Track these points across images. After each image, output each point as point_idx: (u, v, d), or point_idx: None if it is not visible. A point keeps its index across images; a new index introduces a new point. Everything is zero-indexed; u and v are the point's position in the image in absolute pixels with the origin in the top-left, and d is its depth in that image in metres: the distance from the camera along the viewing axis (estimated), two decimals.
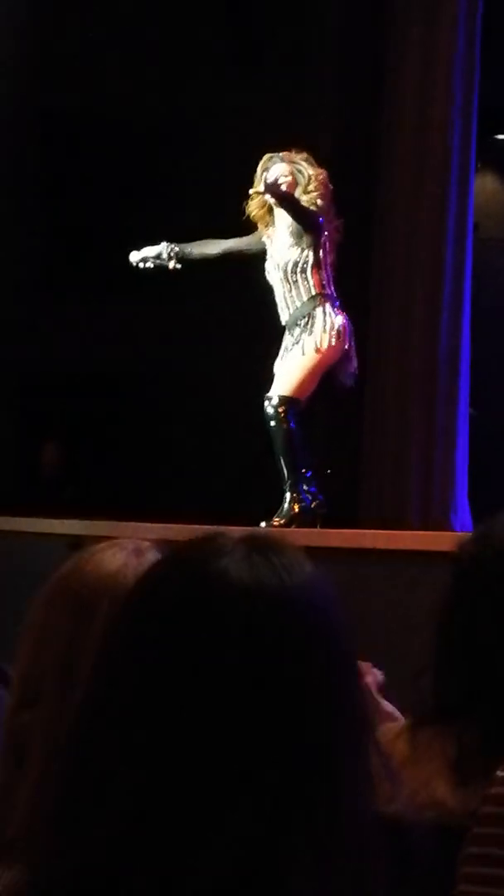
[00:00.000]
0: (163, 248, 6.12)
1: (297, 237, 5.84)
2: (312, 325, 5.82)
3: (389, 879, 0.89)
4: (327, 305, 5.84)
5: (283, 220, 5.90)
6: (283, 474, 5.82)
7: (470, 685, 1.86)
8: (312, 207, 5.81)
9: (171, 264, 6.11)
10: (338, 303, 5.91)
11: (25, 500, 6.55)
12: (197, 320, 8.18)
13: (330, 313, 5.82)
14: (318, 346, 5.78)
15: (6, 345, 8.62)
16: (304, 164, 5.92)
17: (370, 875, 0.88)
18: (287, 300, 5.91)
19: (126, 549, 1.50)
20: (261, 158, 6.03)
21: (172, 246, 6.11)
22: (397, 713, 2.27)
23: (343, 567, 4.64)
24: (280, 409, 5.80)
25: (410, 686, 1.93)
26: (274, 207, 5.91)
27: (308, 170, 5.91)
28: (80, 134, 8.42)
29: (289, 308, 5.91)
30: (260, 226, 6.00)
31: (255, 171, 6.02)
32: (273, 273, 5.95)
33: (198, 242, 6.14)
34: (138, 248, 6.10)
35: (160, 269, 6.12)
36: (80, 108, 8.35)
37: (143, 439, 8.41)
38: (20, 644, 1.48)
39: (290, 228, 5.86)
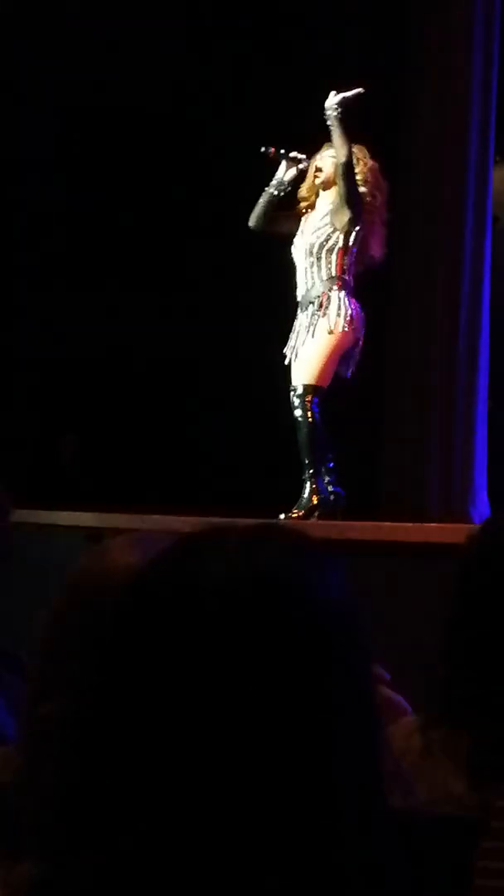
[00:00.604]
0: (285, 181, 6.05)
1: (334, 217, 5.85)
2: (327, 308, 5.81)
3: (404, 875, 0.89)
4: (343, 292, 5.85)
5: (325, 200, 5.93)
6: (305, 465, 5.82)
7: (480, 682, 1.86)
8: None
9: (278, 190, 6.06)
10: (353, 292, 5.90)
11: (44, 493, 6.56)
12: (216, 309, 8.17)
13: (344, 299, 5.83)
14: (332, 329, 5.77)
15: (22, 337, 8.63)
16: (357, 152, 5.93)
17: (384, 873, 0.88)
18: (307, 276, 5.92)
19: (145, 542, 1.51)
20: (270, 159, 6.09)
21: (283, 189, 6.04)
22: (408, 707, 2.26)
23: (362, 559, 4.64)
24: (305, 399, 5.80)
25: (426, 682, 1.93)
26: (321, 191, 5.93)
27: (360, 157, 5.93)
28: (96, 124, 8.43)
29: (306, 284, 5.92)
30: (302, 208, 6.02)
31: (268, 169, 6.06)
32: (299, 248, 5.96)
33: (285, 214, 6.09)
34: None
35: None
36: (94, 95, 8.35)
37: (162, 430, 8.41)
38: (39, 636, 1.49)
39: (331, 207, 5.86)
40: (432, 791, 1.79)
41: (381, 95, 7.53)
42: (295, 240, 6.00)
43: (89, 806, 0.88)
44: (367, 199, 5.87)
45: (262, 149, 6.09)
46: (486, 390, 7.27)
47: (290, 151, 6.07)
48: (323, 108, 5.87)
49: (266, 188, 6.10)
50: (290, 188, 6.08)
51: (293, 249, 6.00)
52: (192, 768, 0.85)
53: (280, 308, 6.11)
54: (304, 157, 6.06)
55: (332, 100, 5.79)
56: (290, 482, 6.02)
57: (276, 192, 6.07)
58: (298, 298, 5.97)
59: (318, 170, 6.01)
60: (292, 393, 5.87)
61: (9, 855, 1.28)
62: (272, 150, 6.08)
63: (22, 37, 8.25)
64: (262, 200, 6.11)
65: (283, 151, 6.08)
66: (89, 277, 8.47)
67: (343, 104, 5.75)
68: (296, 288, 6.00)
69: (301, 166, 6.05)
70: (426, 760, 1.84)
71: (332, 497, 5.78)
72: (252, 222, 6.12)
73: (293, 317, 6.02)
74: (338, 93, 5.82)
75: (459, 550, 2.02)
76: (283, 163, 6.08)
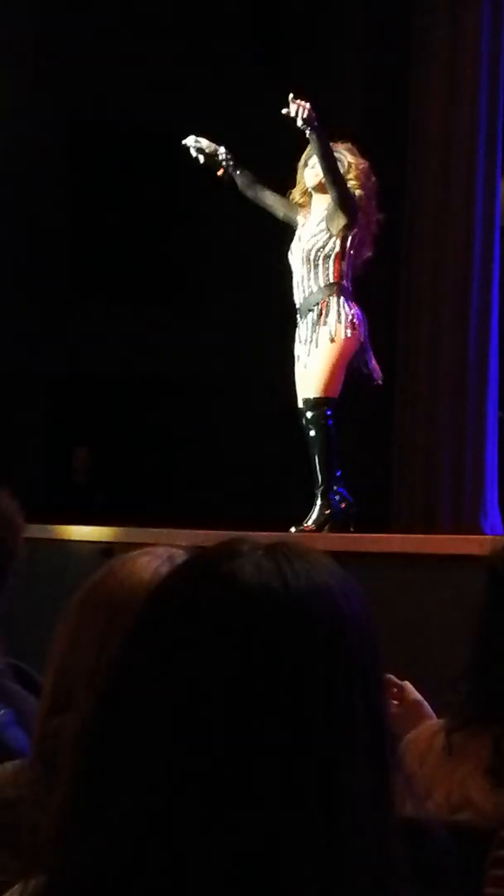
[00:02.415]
0: (221, 150, 6.04)
1: (330, 223, 5.81)
2: (327, 315, 5.77)
3: (412, 884, 0.89)
4: (342, 297, 5.80)
5: (320, 205, 5.89)
6: (317, 478, 5.78)
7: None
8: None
9: (220, 171, 6.04)
10: (352, 297, 5.85)
11: (57, 507, 6.57)
12: (225, 324, 8.18)
13: (344, 305, 5.77)
14: (333, 337, 5.73)
15: (36, 351, 8.65)
16: (345, 153, 5.90)
17: (389, 884, 0.88)
18: (304, 283, 5.87)
19: (159, 557, 1.51)
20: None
21: (230, 156, 6.04)
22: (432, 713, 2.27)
23: (374, 571, 4.63)
24: (317, 413, 5.75)
25: (447, 690, 1.94)
26: (314, 193, 5.90)
27: (348, 158, 5.88)
28: (106, 142, 8.45)
29: (304, 292, 5.87)
30: (300, 209, 5.99)
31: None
32: (296, 254, 5.92)
33: (249, 174, 6.07)
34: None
35: (205, 166, 6.03)
36: (108, 114, 8.37)
37: (175, 444, 8.42)
38: (52, 650, 1.49)
39: (326, 213, 5.83)
40: (450, 795, 1.79)
41: (390, 106, 7.56)
42: (291, 246, 5.97)
43: (100, 818, 0.88)
44: (363, 201, 5.84)
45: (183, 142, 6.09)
46: (496, 401, 7.26)
47: (202, 144, 6.06)
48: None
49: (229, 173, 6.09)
50: (220, 156, 6.05)
51: (290, 255, 5.97)
52: (206, 778, 0.86)
53: (288, 321, 6.10)
54: (220, 153, 6.05)
55: (299, 121, 5.74)
56: (302, 494, 6.01)
57: (224, 165, 6.06)
58: (297, 306, 5.92)
59: (306, 165, 5.97)
60: (304, 406, 5.83)
61: (24, 869, 1.28)
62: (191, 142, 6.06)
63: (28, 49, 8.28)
64: (236, 181, 6.07)
65: (199, 143, 6.06)
66: (102, 294, 8.48)
67: (309, 120, 5.71)
68: (292, 295, 5.96)
69: (220, 158, 6.04)
70: (447, 764, 1.84)
71: (343, 507, 5.75)
72: (246, 194, 6.12)
73: (295, 326, 5.98)
74: (294, 100, 5.76)
75: (479, 559, 2.03)
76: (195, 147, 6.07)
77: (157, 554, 1.52)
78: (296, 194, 5.97)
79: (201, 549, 0.98)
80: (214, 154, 6.04)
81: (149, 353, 8.38)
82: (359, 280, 5.93)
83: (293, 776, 0.86)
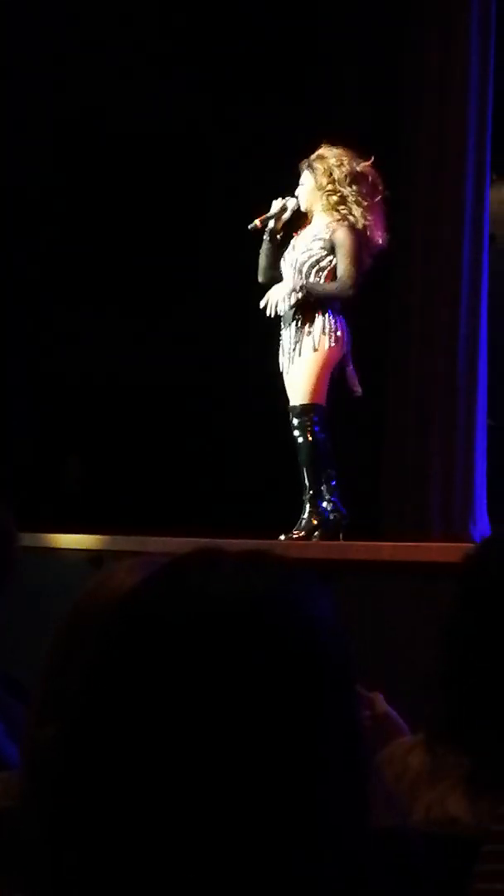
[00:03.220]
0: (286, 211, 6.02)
1: (329, 243, 5.81)
2: (311, 325, 5.78)
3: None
4: (327, 309, 5.80)
5: (319, 220, 5.90)
6: (305, 485, 5.78)
7: (481, 696, 1.86)
8: (351, 217, 5.79)
9: (271, 238, 6.02)
10: (338, 310, 5.85)
11: (47, 516, 6.56)
12: (217, 331, 8.19)
13: (329, 317, 5.78)
14: (317, 346, 5.74)
15: (25, 358, 8.64)
16: (316, 163, 5.89)
17: (363, 893, 0.88)
18: (291, 292, 5.87)
19: (149, 566, 1.51)
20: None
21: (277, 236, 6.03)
22: (405, 727, 2.26)
23: (364, 579, 4.64)
24: (304, 419, 5.76)
25: (428, 699, 1.93)
26: (317, 211, 5.90)
27: (322, 163, 5.87)
28: (94, 146, 8.46)
29: (289, 300, 5.87)
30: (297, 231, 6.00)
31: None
32: (288, 262, 5.92)
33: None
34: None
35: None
36: (95, 118, 8.38)
37: (165, 453, 8.41)
38: (42, 661, 1.49)
39: (327, 233, 5.83)
40: (430, 811, 1.79)
41: (379, 115, 7.58)
42: (285, 254, 5.98)
43: (86, 830, 0.88)
44: (364, 203, 5.84)
45: (250, 226, 6.05)
46: (485, 408, 7.28)
47: (273, 210, 6.01)
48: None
49: (263, 241, 6.05)
50: (283, 232, 6.04)
51: (282, 263, 5.98)
52: (182, 786, 0.85)
53: (279, 327, 6.10)
54: (289, 203, 6.01)
55: (298, 291, 5.75)
56: (292, 503, 6.02)
57: (271, 241, 6.03)
58: (281, 312, 5.92)
59: (302, 184, 5.98)
60: (290, 414, 5.85)
61: (11, 882, 1.28)
62: (257, 223, 6.03)
63: (15, 56, 8.28)
64: (263, 253, 6.03)
65: (267, 215, 6.02)
66: (91, 299, 8.48)
67: (306, 288, 5.73)
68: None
69: (290, 208, 6.00)
70: (425, 779, 1.84)
71: (332, 517, 5.75)
72: (261, 278, 6.04)
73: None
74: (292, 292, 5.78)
75: (458, 569, 2.03)
76: (274, 207, 6.03)
77: (148, 563, 1.52)
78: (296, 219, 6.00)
79: (176, 558, 0.97)
80: (283, 209, 6.01)
81: (140, 360, 8.37)
82: (360, 290, 5.93)
83: (266, 787, 0.86)
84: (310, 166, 5.92)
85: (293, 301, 5.77)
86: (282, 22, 8.10)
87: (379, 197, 5.88)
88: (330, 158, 5.86)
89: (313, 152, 6.01)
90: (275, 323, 6.02)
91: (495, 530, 6.35)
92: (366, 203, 5.80)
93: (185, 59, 8.23)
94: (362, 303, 6.01)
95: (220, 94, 8.15)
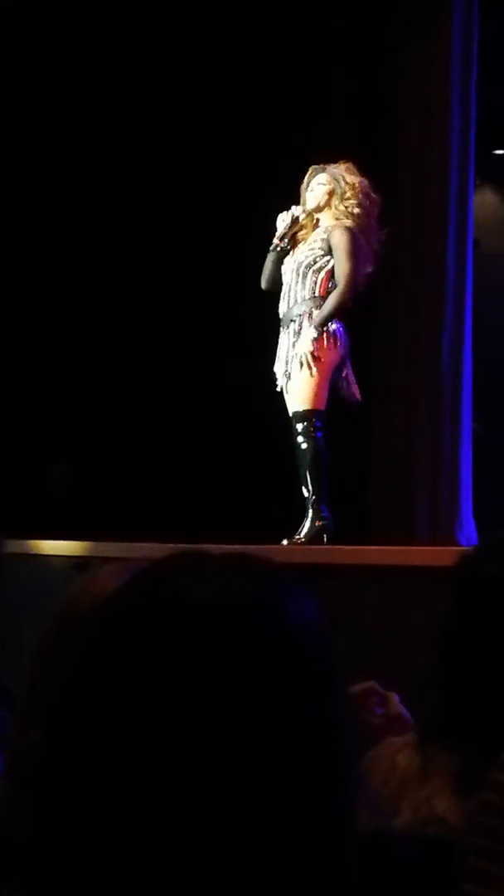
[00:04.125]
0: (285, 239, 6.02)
1: (327, 244, 5.83)
2: (308, 330, 5.78)
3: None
4: None
5: (322, 223, 5.92)
6: (308, 491, 5.77)
7: (472, 697, 1.86)
8: (347, 221, 5.80)
9: (281, 247, 6.02)
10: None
11: (32, 522, 6.54)
12: (205, 335, 8.19)
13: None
14: (315, 352, 5.74)
15: (11, 363, 8.63)
16: (344, 173, 5.93)
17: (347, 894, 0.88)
18: (290, 294, 5.89)
19: (132, 571, 1.50)
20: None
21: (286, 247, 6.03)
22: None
23: (350, 584, 4.63)
24: (307, 425, 5.76)
25: (418, 700, 1.93)
26: (324, 215, 5.92)
27: (346, 178, 5.91)
28: (80, 152, 8.45)
29: (288, 302, 5.89)
30: (301, 235, 6.00)
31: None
32: (288, 265, 5.94)
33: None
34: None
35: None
36: (81, 124, 8.37)
37: (153, 458, 8.40)
38: (26, 665, 1.48)
39: (326, 237, 5.85)
40: (418, 810, 1.78)
41: (363, 120, 7.59)
42: (286, 258, 6.00)
43: (73, 835, 0.88)
44: (362, 219, 5.86)
45: (272, 248, 6.05)
46: (470, 413, 7.29)
47: (286, 223, 6.01)
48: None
49: (270, 249, 6.06)
50: (290, 242, 6.04)
51: (283, 268, 6.00)
52: (167, 788, 0.85)
53: (270, 333, 6.10)
54: (297, 212, 6.01)
55: (316, 332, 5.76)
56: (285, 507, 6.01)
57: (279, 249, 6.04)
58: (280, 315, 5.95)
59: (320, 184, 6.01)
60: (293, 419, 5.84)
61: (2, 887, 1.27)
62: (277, 242, 6.04)
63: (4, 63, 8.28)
64: (269, 261, 6.03)
65: (283, 232, 6.02)
66: (79, 305, 8.47)
67: (318, 324, 5.74)
68: (278, 307, 5.97)
69: (300, 216, 6.01)
70: (413, 779, 1.84)
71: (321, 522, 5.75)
72: (264, 285, 6.05)
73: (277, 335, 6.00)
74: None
75: (450, 572, 2.03)
76: (283, 222, 6.04)
77: (132, 568, 1.52)
78: (304, 226, 6.00)
79: (158, 560, 0.97)
80: (295, 220, 6.01)
81: (127, 365, 8.37)
82: (361, 296, 5.93)
83: (250, 790, 0.85)
84: (331, 172, 5.95)
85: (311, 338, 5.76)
86: (267, 29, 8.11)
87: (378, 234, 5.95)
88: (355, 178, 5.92)
89: (299, 161, 6.05)
90: (266, 329, 6.03)
91: (486, 534, 6.34)
92: (364, 216, 5.86)
93: (174, 65, 8.24)
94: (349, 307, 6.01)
95: (221, 96, 8.16)
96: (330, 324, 5.76)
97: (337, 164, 5.98)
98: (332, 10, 7.91)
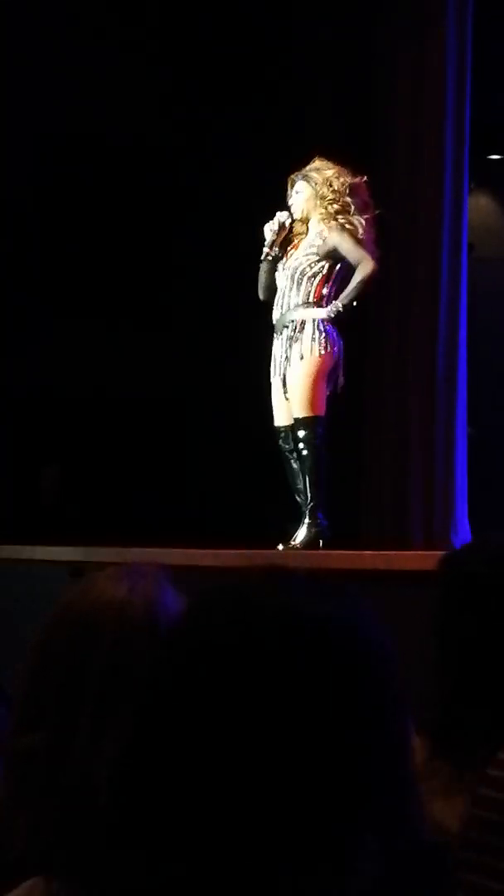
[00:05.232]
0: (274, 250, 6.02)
1: (323, 248, 5.82)
2: (301, 332, 5.77)
3: None
4: (320, 321, 5.79)
5: (314, 228, 5.90)
6: (307, 497, 5.75)
7: (465, 697, 1.86)
8: (336, 221, 5.79)
9: (272, 256, 6.02)
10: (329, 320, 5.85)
11: (25, 527, 6.53)
12: (196, 339, 8.18)
13: (319, 323, 5.77)
14: (305, 354, 5.72)
15: (2, 368, 8.62)
16: (314, 174, 5.90)
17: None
18: (283, 300, 5.87)
19: (131, 575, 1.50)
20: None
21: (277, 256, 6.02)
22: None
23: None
24: (308, 432, 5.73)
25: (420, 708, 1.93)
26: (312, 220, 5.90)
27: (319, 177, 5.88)
28: (75, 157, 8.45)
29: (281, 308, 5.88)
30: (295, 238, 6.00)
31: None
32: (283, 271, 5.93)
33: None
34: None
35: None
36: (77, 129, 8.37)
37: (144, 462, 8.40)
38: (23, 668, 1.48)
39: (320, 241, 5.83)
40: None
41: (356, 124, 7.59)
42: (280, 264, 5.99)
43: (133, 839, 0.87)
44: (365, 216, 5.85)
45: (262, 258, 6.04)
46: (464, 417, 7.29)
47: (273, 230, 6.00)
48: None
49: (261, 260, 6.05)
50: (281, 251, 6.03)
51: (277, 274, 5.99)
52: (224, 807, 0.85)
53: (263, 337, 6.10)
54: (282, 218, 6.00)
55: (333, 315, 5.75)
56: (276, 512, 6.00)
57: (271, 258, 6.03)
58: (273, 321, 5.93)
59: (298, 192, 5.99)
60: (294, 425, 5.81)
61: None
62: (268, 251, 6.02)
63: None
64: (262, 271, 6.00)
65: (272, 240, 6.01)
66: (69, 310, 8.47)
67: (341, 306, 5.73)
68: (271, 313, 5.96)
69: (287, 223, 6.00)
70: None
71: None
72: (262, 295, 6.02)
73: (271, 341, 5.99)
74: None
75: (435, 573, 2.04)
76: (270, 230, 6.02)
77: (128, 572, 1.52)
78: (296, 229, 5.99)
79: (236, 575, 0.96)
80: (283, 227, 6.00)
81: (118, 369, 8.36)
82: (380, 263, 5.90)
83: (316, 809, 0.85)
84: (305, 177, 5.93)
85: (330, 315, 5.75)
86: (258, 32, 8.11)
87: (371, 214, 5.90)
88: (327, 170, 5.88)
89: (290, 166, 6.03)
90: (256, 335, 6.02)
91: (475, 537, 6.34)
92: (366, 216, 5.83)
93: (160, 64, 8.25)
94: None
95: (216, 102, 8.16)
96: (321, 327, 5.75)
97: (310, 164, 5.95)
98: (324, 12, 7.91)
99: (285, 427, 5.86)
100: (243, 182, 6.16)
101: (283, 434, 5.88)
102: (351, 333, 6.10)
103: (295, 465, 5.85)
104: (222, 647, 0.89)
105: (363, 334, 7.39)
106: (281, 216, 5.98)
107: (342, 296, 5.76)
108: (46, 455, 8.70)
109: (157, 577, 1.49)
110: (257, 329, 6.12)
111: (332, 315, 5.73)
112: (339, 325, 5.84)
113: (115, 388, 8.47)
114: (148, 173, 8.46)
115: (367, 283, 5.76)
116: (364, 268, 5.76)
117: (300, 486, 5.81)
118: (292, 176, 6.00)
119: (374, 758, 0.88)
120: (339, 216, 5.81)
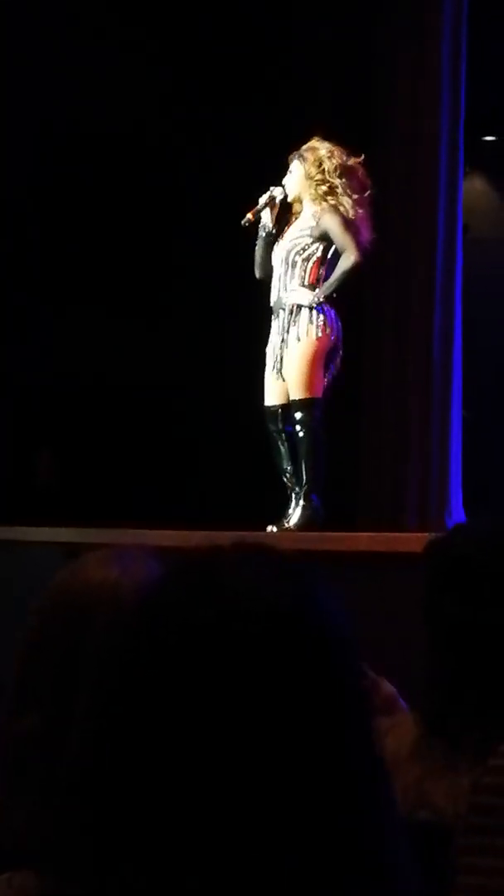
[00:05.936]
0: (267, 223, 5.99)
1: (317, 230, 5.80)
2: (298, 315, 5.76)
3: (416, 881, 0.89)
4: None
5: (308, 210, 5.88)
6: (301, 479, 5.73)
7: (457, 680, 1.87)
8: (327, 202, 5.77)
9: (267, 234, 5.99)
10: (327, 301, 5.84)
11: (20, 509, 6.53)
12: (189, 324, 8.18)
13: (316, 309, 5.76)
14: (302, 336, 5.71)
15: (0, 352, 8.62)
16: (307, 153, 5.88)
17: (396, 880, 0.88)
18: (280, 283, 5.86)
19: (123, 557, 1.50)
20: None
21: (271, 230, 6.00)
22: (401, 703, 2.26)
23: (339, 570, 4.62)
24: (305, 414, 5.72)
25: (414, 689, 1.94)
26: (305, 201, 5.88)
27: (311, 156, 5.86)
28: (77, 148, 8.43)
29: (278, 290, 5.87)
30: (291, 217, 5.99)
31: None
32: (278, 255, 5.92)
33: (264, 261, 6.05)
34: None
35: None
36: (78, 119, 8.35)
37: (139, 445, 8.40)
38: (16, 652, 1.47)
39: (314, 222, 5.82)
40: (406, 793, 1.78)
41: (352, 107, 7.57)
42: (275, 247, 5.97)
43: (85, 825, 0.87)
44: (354, 196, 5.82)
45: (243, 222, 6.01)
46: (460, 400, 7.29)
47: (262, 202, 5.99)
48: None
49: (256, 238, 6.03)
50: (276, 228, 6.02)
51: (273, 256, 5.98)
52: (198, 787, 0.84)
53: (259, 322, 6.09)
54: (275, 192, 5.99)
55: (314, 304, 5.72)
56: (268, 495, 6.00)
57: (266, 236, 6.01)
58: (271, 304, 5.92)
59: (291, 172, 5.97)
60: (280, 407, 5.80)
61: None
62: (250, 216, 6.00)
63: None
64: (258, 249, 6.00)
65: (257, 208, 6.00)
66: (64, 295, 8.46)
67: (322, 297, 5.70)
68: (268, 297, 5.95)
69: (278, 197, 5.99)
70: (403, 761, 1.84)
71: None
72: (258, 274, 6.01)
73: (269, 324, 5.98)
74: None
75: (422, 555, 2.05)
76: (265, 211, 6.00)
77: (121, 554, 1.51)
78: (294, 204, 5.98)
79: (177, 559, 0.95)
80: (271, 200, 5.98)
81: (113, 353, 8.36)
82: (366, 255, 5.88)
83: (296, 786, 0.85)
84: (300, 156, 5.91)
85: (309, 302, 5.74)
86: (254, 27, 8.09)
87: (367, 193, 5.87)
88: (321, 150, 5.86)
89: (291, 152, 6.01)
90: (254, 322, 6.02)
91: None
92: (355, 196, 5.79)
93: (160, 63, 8.23)
94: (337, 301, 5.99)
95: (213, 93, 8.15)
96: (318, 310, 5.74)
97: (320, 141, 5.94)
98: (324, 12, 7.89)
99: (275, 406, 5.85)
100: (243, 181, 6.14)
101: (272, 414, 5.87)
102: (348, 316, 6.10)
103: (282, 447, 5.84)
104: (176, 624, 0.88)
105: (360, 317, 7.38)
106: (274, 191, 5.97)
107: (325, 286, 5.74)
108: (42, 438, 8.71)
109: (150, 559, 1.49)
110: (253, 312, 6.12)
111: (314, 305, 5.71)
112: (337, 308, 5.83)
113: (112, 373, 8.47)
114: (148, 172, 8.45)
115: (349, 274, 5.73)
116: (347, 258, 5.74)
117: (286, 466, 5.81)
118: (291, 155, 6.00)
119: (330, 734, 0.88)
120: (329, 197, 5.78)
